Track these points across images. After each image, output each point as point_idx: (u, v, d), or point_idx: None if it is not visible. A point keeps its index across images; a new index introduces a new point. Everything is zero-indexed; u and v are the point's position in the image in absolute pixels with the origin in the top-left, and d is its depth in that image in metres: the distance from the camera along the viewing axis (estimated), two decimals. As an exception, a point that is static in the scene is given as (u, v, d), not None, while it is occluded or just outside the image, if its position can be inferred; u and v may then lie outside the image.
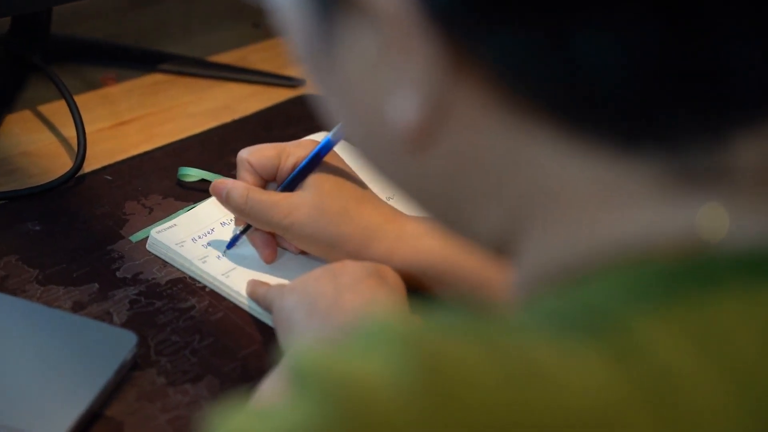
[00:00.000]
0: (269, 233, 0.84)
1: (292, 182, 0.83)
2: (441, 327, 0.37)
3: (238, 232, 0.86)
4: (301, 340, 0.71)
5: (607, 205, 0.38)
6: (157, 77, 1.13)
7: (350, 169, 0.85)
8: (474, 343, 0.35)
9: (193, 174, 0.95)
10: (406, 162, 0.42)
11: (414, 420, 0.33)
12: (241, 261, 0.85)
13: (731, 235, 0.37)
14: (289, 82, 1.15)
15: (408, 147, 0.40)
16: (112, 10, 1.25)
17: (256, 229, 0.84)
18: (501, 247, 0.42)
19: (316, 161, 0.82)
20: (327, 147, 0.82)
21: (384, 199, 0.86)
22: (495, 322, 0.37)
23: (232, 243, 0.86)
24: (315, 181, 0.82)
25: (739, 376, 0.35)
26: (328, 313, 0.71)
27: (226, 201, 0.83)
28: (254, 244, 0.85)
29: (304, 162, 0.82)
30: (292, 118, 1.08)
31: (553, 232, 0.40)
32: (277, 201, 0.82)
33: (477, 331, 0.36)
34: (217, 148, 1.01)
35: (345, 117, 0.44)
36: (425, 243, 0.80)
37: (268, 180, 0.85)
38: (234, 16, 1.28)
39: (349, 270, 0.74)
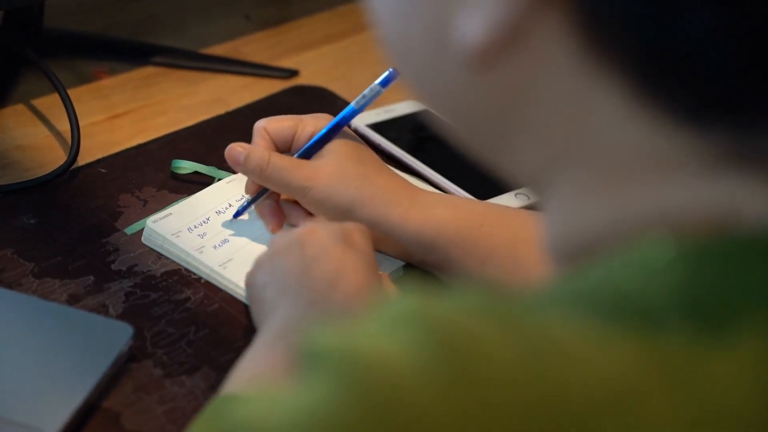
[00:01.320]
0: (277, 205, 0.85)
1: (311, 149, 0.84)
2: (460, 306, 0.37)
3: (247, 201, 0.87)
4: (275, 318, 0.71)
5: (651, 175, 0.38)
6: (150, 70, 1.14)
7: (365, 144, 0.86)
8: (493, 322, 0.35)
9: (186, 166, 0.95)
10: (462, 80, 0.41)
11: (433, 399, 0.33)
12: (238, 252, 0.85)
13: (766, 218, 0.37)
14: (281, 73, 1.15)
15: (470, 65, 0.40)
16: (104, 3, 1.25)
17: (266, 198, 0.85)
18: (534, 189, 0.42)
19: (336, 129, 0.84)
20: (349, 116, 0.83)
21: None
22: (515, 301, 0.38)
23: (241, 211, 0.87)
24: (335, 147, 0.83)
25: (761, 364, 0.35)
26: (298, 290, 0.71)
27: (244, 165, 0.83)
28: (261, 214, 0.86)
29: (325, 128, 0.83)
30: (285, 109, 1.07)
31: (589, 192, 0.40)
32: (298, 164, 0.82)
33: (496, 311, 0.36)
34: (211, 140, 1.01)
35: (401, 29, 0.43)
36: (438, 211, 0.82)
37: (282, 150, 0.86)
38: (226, 8, 1.28)
39: (315, 238, 0.74)
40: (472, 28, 0.38)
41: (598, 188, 0.39)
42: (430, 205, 0.82)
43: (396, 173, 0.86)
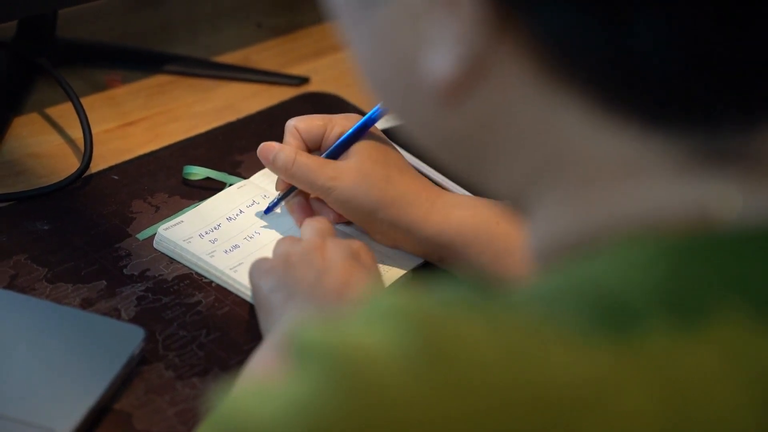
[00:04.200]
0: (306, 202, 0.87)
1: (338, 149, 0.86)
2: (444, 302, 0.38)
3: (278, 197, 0.89)
4: (282, 322, 0.72)
5: (625, 179, 0.39)
6: (162, 78, 1.15)
7: (392, 143, 0.88)
8: (476, 318, 0.36)
9: (198, 172, 0.96)
10: (435, 113, 0.43)
11: (414, 393, 0.34)
12: (248, 257, 0.86)
13: (744, 216, 0.38)
14: (292, 80, 1.16)
15: (440, 100, 0.41)
16: (116, 12, 1.26)
17: (295, 195, 0.87)
18: (517, 204, 0.44)
19: (363, 130, 0.85)
20: (375, 117, 0.85)
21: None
22: (499, 297, 0.38)
23: (271, 207, 0.90)
24: (360, 148, 0.85)
25: (743, 365, 0.36)
26: (309, 298, 0.73)
27: (273, 163, 0.85)
28: (291, 210, 0.88)
29: (351, 129, 0.85)
30: (295, 116, 1.09)
31: (570, 201, 0.41)
32: (323, 164, 0.84)
33: (480, 307, 0.37)
34: (222, 147, 1.02)
35: (376, 67, 0.45)
36: (457, 213, 0.84)
37: (312, 149, 0.88)
38: (237, 16, 1.29)
39: (325, 252, 0.76)
40: (438, 66, 0.40)
41: (578, 196, 0.41)
42: (450, 207, 0.85)
43: (419, 175, 0.88)
